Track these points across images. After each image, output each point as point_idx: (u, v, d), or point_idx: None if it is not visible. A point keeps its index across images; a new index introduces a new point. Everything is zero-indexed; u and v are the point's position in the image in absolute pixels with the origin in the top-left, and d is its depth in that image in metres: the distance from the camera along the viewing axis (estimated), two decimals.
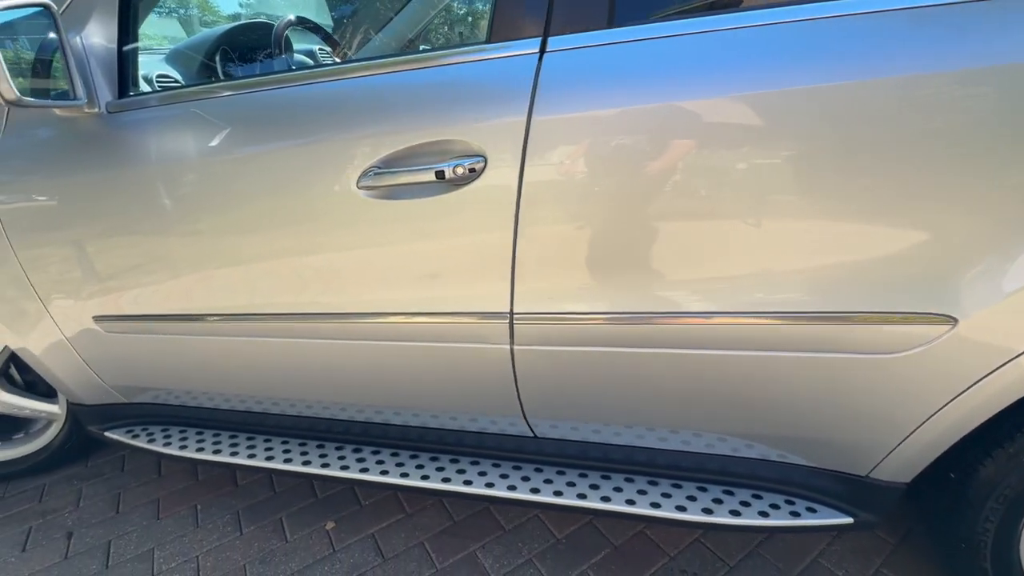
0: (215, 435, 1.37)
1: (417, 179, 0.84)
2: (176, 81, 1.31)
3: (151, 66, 1.35)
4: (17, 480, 1.58)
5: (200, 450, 1.28)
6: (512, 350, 0.95)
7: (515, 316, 0.91)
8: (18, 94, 0.81)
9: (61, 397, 1.49)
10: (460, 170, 0.81)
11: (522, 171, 0.80)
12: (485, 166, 0.81)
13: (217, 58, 1.41)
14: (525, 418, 1.06)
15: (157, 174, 0.98)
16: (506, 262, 0.87)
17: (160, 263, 1.05)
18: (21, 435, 1.59)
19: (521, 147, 0.79)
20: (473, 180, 0.82)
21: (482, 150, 0.81)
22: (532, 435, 1.11)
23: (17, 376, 1.50)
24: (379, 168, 0.86)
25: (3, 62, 0.79)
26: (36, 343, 1.22)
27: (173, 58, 1.38)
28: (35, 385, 1.53)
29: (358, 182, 0.87)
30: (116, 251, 1.06)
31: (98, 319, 1.16)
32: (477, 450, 1.16)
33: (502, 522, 1.34)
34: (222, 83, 0.96)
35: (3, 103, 0.81)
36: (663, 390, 0.91)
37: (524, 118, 0.78)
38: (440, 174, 0.81)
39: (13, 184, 1.05)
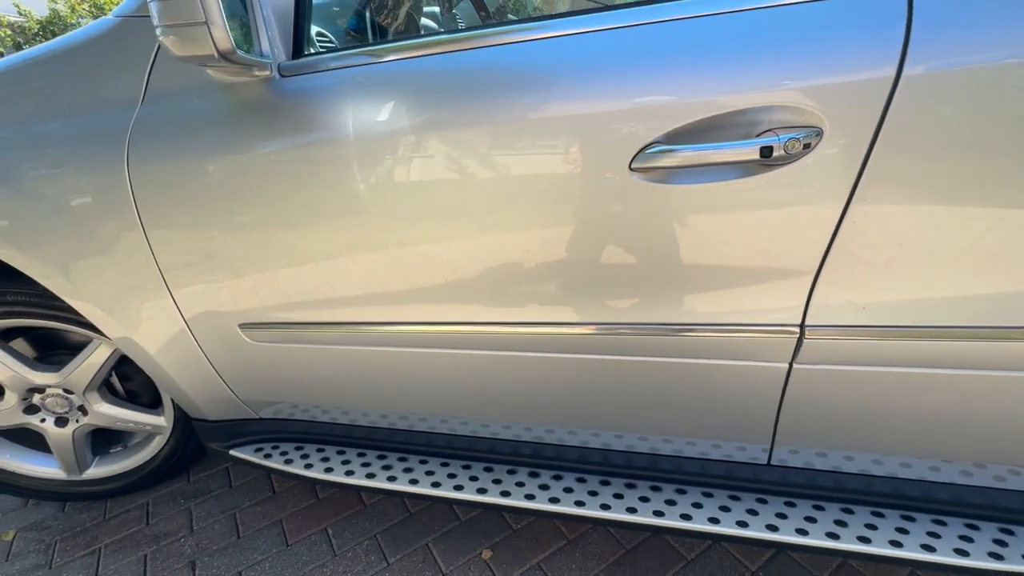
0: (360, 454, 1.21)
1: (724, 158, 0.65)
2: (331, 40, 1.11)
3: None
4: (114, 498, 1.43)
5: (350, 473, 1.12)
6: (790, 368, 0.78)
7: (807, 329, 0.74)
8: (233, 45, 0.62)
9: (167, 407, 1.32)
10: (794, 145, 0.62)
11: (871, 148, 0.62)
12: (820, 139, 0.63)
13: (369, 12, 1.21)
14: (772, 444, 0.89)
15: (344, 153, 0.79)
16: (812, 264, 0.70)
17: (337, 261, 0.87)
18: (119, 449, 1.43)
19: (878, 116, 0.61)
20: (797, 159, 0.64)
21: (817, 119, 0.62)
22: (765, 463, 0.94)
23: (119, 385, 1.34)
24: (663, 145, 0.67)
25: (222, 6, 0.60)
26: (162, 352, 1.05)
27: (328, 14, 1.18)
28: (137, 395, 1.36)
29: (632, 163, 0.69)
30: (281, 245, 0.88)
31: (245, 327, 0.98)
32: (690, 477, 0.99)
33: (681, 551, 1.18)
34: (433, 38, 0.77)
35: (215, 54, 0.62)
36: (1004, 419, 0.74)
37: (891, 73, 0.59)
38: (766, 151, 0.63)
39: (153, 162, 0.86)
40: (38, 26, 20.58)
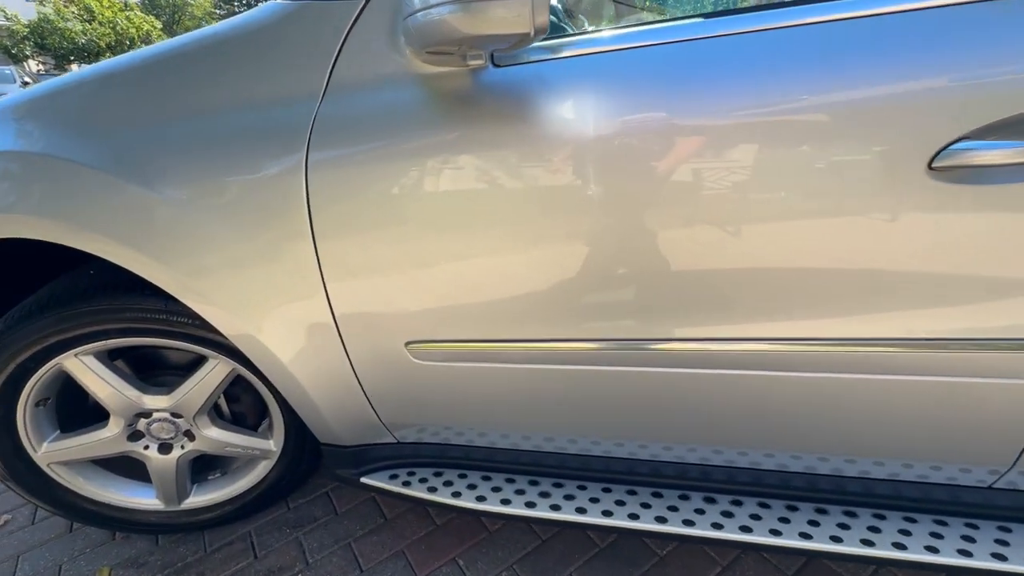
0: (485, 478, 1.11)
1: None
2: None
3: None
4: (211, 529, 1.32)
5: (506, 502, 1.03)
6: None
7: None
8: (548, 21, 0.53)
9: (277, 430, 1.22)
10: None
11: None
12: None
13: None
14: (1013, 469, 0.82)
15: (571, 156, 0.71)
16: None
17: (543, 273, 0.78)
18: (217, 475, 1.32)
19: None
20: None
21: None
22: (987, 486, 0.87)
23: (225, 407, 1.23)
24: (974, 140, 0.60)
25: None
26: (307, 373, 0.95)
27: None
28: (242, 417, 1.26)
29: (932, 162, 0.61)
30: (474, 257, 0.79)
31: (413, 344, 0.89)
32: (909, 503, 0.92)
33: None
34: (684, 21, 0.69)
35: (531, 32, 0.53)
36: None
37: None
38: None
39: (336, 163, 0.77)
40: (27, 30, 20.20)
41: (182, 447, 1.19)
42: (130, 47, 20.82)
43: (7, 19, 19.38)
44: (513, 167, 0.72)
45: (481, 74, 0.72)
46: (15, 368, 1.00)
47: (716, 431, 0.90)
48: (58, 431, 1.13)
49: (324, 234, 0.81)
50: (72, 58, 20.17)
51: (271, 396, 1.13)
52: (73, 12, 19.50)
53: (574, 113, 0.70)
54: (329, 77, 0.77)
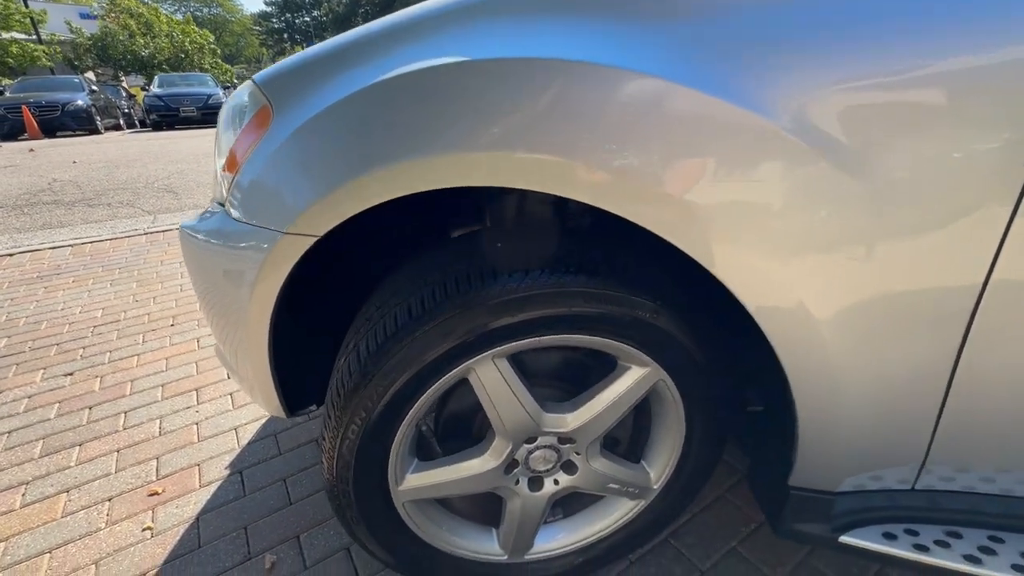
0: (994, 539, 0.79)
1: None
2: None
3: None
4: None
5: None
6: None
7: None
8: None
9: (660, 462, 0.92)
10: None
11: None
12: None
13: None
14: None
15: None
16: None
17: None
18: (559, 516, 1.02)
19: None
20: None
21: None
22: None
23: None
24: None
25: None
26: (863, 367, 0.65)
27: None
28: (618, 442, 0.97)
29: None
30: None
31: None
32: None
33: None
34: None
35: None
36: None
37: None
38: None
39: None
40: (89, 42, 21.00)
41: (556, 483, 0.90)
42: (186, 59, 21.47)
43: (72, 32, 20.20)
44: None
45: None
46: (417, 374, 0.72)
47: None
48: (416, 459, 0.85)
49: None
50: (130, 70, 20.88)
51: (681, 415, 0.84)
52: (134, 26, 20.18)
53: None
54: None
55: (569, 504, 1.02)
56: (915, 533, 0.79)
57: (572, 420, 0.82)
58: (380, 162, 0.62)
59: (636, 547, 1.02)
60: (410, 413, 0.75)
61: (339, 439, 0.75)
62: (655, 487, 0.94)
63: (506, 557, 0.95)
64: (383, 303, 0.77)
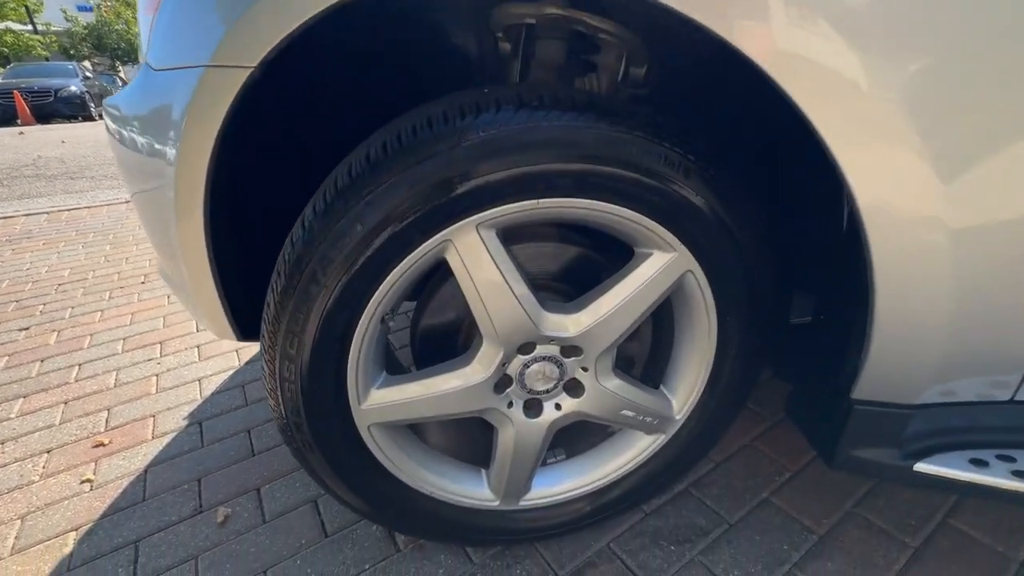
0: None
1: None
2: None
3: None
4: (550, 539, 0.86)
5: None
6: None
7: None
8: None
9: (686, 388, 0.76)
10: None
11: None
12: None
13: None
14: None
15: None
16: None
17: None
18: (561, 456, 0.86)
19: None
20: None
21: None
22: None
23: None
24: None
25: None
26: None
27: None
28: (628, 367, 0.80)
29: None
30: None
31: None
32: None
33: None
34: None
35: None
36: None
37: None
38: None
39: None
40: (85, 31, 20.73)
41: (556, 406, 0.74)
42: None
43: (68, 20, 19.93)
44: None
45: None
46: (386, 243, 0.55)
47: None
48: (385, 372, 0.69)
49: None
50: (126, 59, 20.67)
51: (713, 323, 0.68)
52: (129, 15, 19.92)
53: None
54: None
55: (571, 444, 0.86)
56: (1011, 459, 0.63)
57: (578, 322, 0.65)
58: None
59: (653, 494, 0.86)
60: (372, 299, 0.58)
61: (282, 335, 0.59)
62: (677, 417, 0.78)
63: (498, 503, 0.79)
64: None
